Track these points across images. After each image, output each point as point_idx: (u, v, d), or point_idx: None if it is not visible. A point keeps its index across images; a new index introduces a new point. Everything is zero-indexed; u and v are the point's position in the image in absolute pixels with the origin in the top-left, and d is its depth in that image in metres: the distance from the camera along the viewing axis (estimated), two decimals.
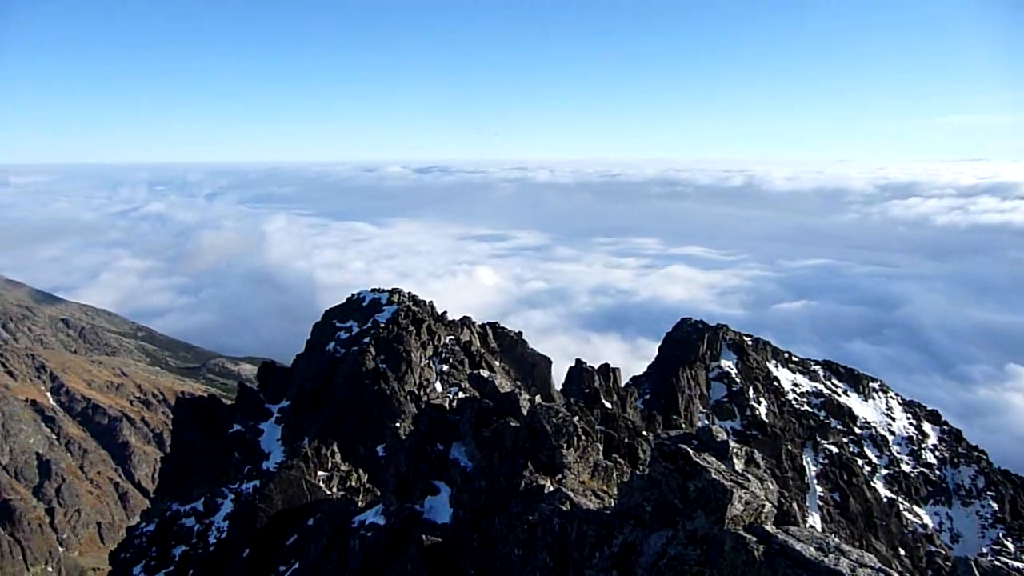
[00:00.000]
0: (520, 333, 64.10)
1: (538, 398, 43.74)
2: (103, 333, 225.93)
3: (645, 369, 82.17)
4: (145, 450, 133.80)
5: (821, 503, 62.94)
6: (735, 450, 13.21)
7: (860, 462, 70.21)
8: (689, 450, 11.81)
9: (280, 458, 50.36)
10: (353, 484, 42.56)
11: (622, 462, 22.83)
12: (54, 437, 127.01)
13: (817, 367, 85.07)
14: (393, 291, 63.44)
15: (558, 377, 62.31)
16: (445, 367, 55.28)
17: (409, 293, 64.38)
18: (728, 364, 76.43)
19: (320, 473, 42.26)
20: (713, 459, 11.98)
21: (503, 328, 64.74)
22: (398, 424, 48.41)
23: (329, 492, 40.64)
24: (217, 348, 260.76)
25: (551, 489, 18.20)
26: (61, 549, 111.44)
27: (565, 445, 19.87)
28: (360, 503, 36.09)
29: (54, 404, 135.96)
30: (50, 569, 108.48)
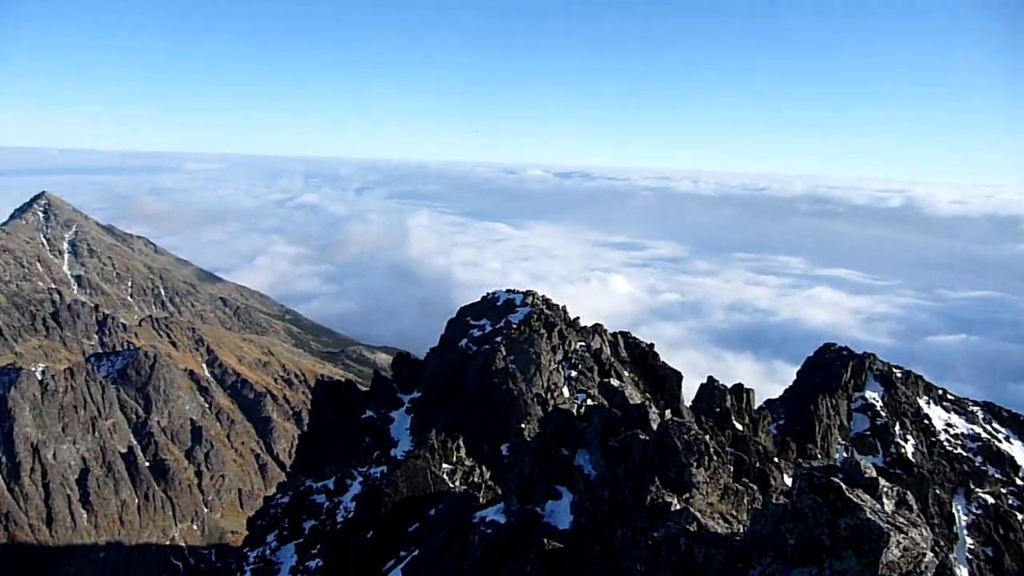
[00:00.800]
0: (652, 345, 62.84)
1: (667, 413, 42.70)
2: (255, 313, 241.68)
3: (781, 393, 78.53)
4: (285, 426, 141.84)
5: (971, 556, 57.74)
6: (885, 489, 12.19)
7: (1020, 516, 63.93)
8: (842, 485, 10.98)
9: (408, 447, 51.83)
10: (475, 480, 43.08)
11: (753, 487, 21.80)
12: (206, 406, 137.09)
13: (976, 408, 78.13)
14: (527, 293, 63.86)
15: (687, 393, 60.61)
16: (574, 373, 55.03)
17: (543, 296, 64.61)
18: (873, 396, 71.66)
19: (445, 466, 43.07)
20: (868, 497, 11.08)
21: (634, 338, 63.68)
22: (523, 425, 48.57)
23: (452, 485, 41.33)
24: (356, 335, 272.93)
25: (678, 507, 17.58)
26: (206, 510, 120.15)
27: (695, 464, 19.14)
28: (481, 499, 36.47)
29: (209, 375, 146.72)
30: (195, 527, 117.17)
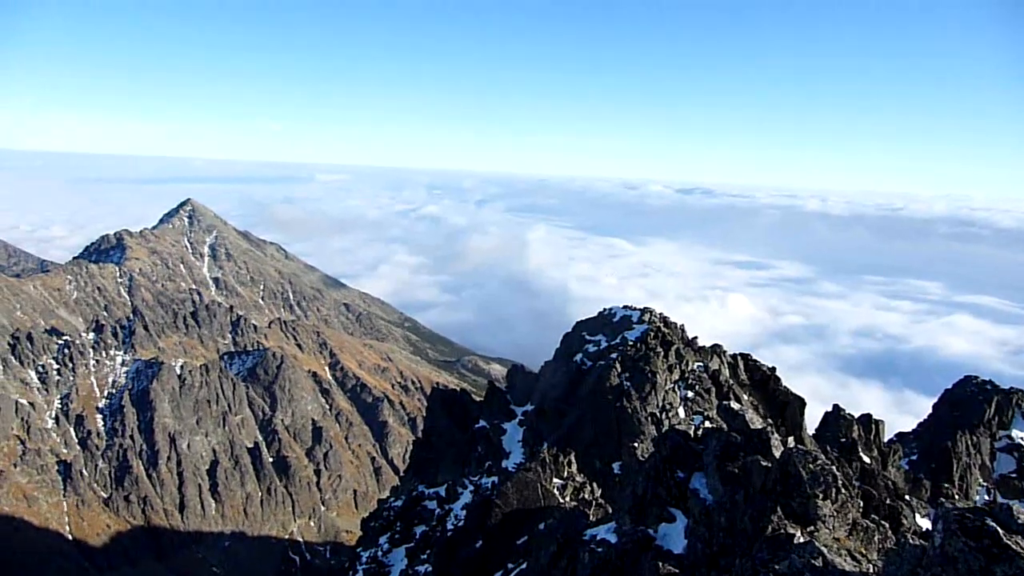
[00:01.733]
0: (774, 368, 60.31)
1: (790, 440, 40.85)
2: (376, 320, 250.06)
3: (914, 426, 73.55)
4: (400, 431, 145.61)
5: None
6: None
7: None
8: (999, 530, 10.03)
9: (519, 459, 51.92)
10: (586, 496, 42.62)
11: (884, 525, 20.40)
12: (327, 407, 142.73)
13: None
14: (645, 310, 62.78)
15: (809, 421, 57.77)
16: (690, 393, 53.57)
17: (660, 314, 63.34)
18: (1021, 435, 65.92)
19: (556, 480, 42.85)
20: None
21: (755, 361, 61.32)
22: (636, 444, 47.69)
23: (562, 500, 41.05)
24: (472, 345, 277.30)
25: (802, 540, 16.67)
26: (323, 508, 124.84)
27: (821, 495, 18.12)
28: (592, 516, 35.98)
29: (330, 378, 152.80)
30: (312, 524, 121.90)
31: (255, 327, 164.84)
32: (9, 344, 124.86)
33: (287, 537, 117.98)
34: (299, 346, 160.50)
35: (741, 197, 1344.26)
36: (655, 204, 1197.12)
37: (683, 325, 62.59)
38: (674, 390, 53.33)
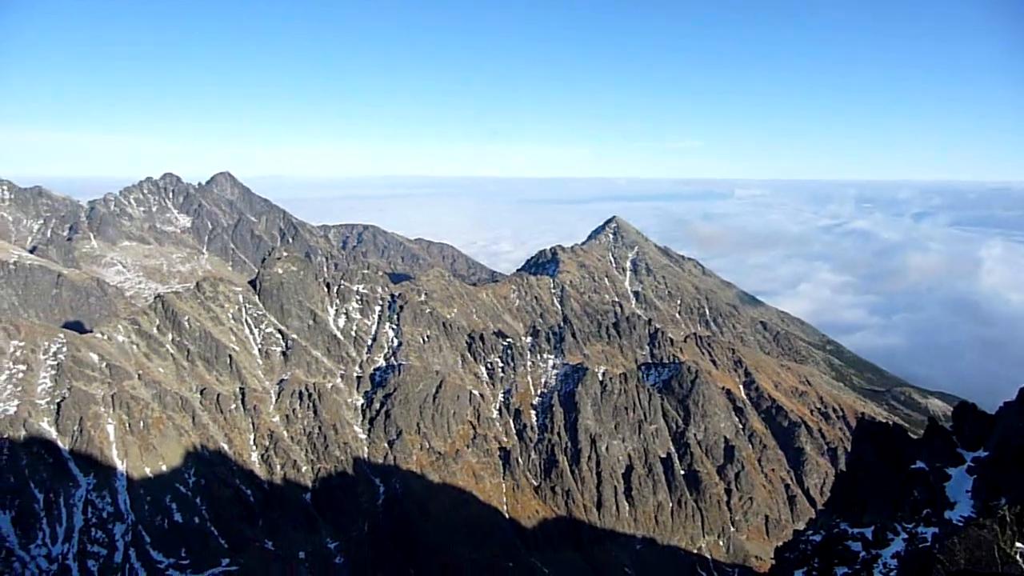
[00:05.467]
0: None
1: None
2: (794, 340, 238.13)
3: None
4: (818, 461, 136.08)
5: None
6: None
7: None
8: None
9: (967, 512, 44.18)
10: None
11: None
12: (740, 427, 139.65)
13: None
14: None
15: None
16: None
17: None
18: None
19: (1018, 545, 35.42)
20: None
21: None
22: None
23: None
24: (903, 375, 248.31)
25: None
26: (732, 528, 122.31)
27: None
28: None
29: (744, 397, 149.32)
30: (721, 543, 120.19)
31: (671, 340, 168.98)
32: (467, 342, 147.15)
33: (695, 552, 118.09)
34: (713, 362, 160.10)
35: None
36: None
37: None
38: None
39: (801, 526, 66.62)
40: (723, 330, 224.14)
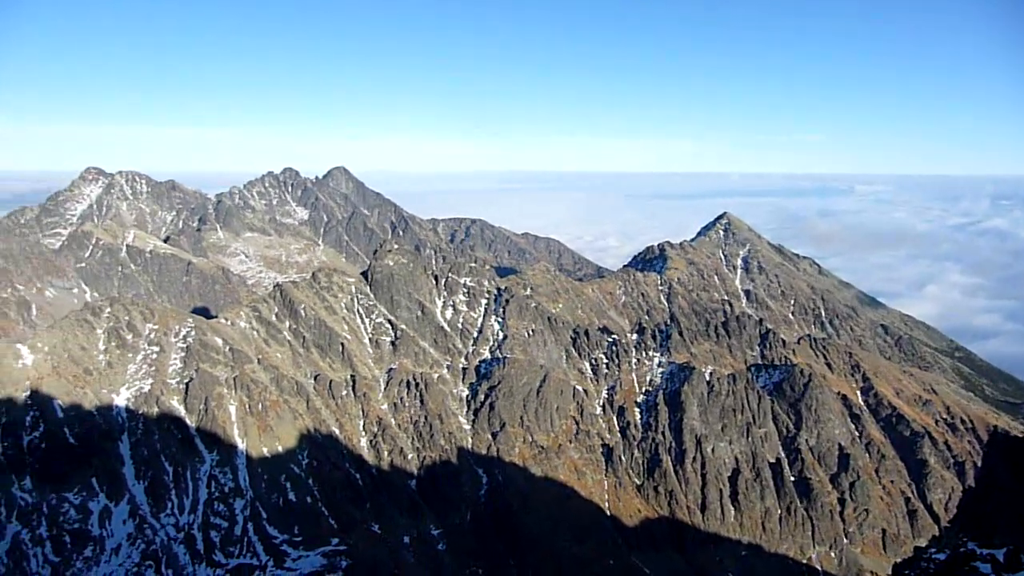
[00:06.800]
0: None
1: None
2: (918, 346, 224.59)
3: None
4: (943, 475, 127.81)
5: None
6: None
7: None
8: None
9: None
10: None
11: None
12: (856, 434, 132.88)
13: None
14: None
15: None
16: None
17: None
18: None
19: None
20: None
21: None
22: None
23: None
24: None
25: None
26: (845, 540, 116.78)
27: None
28: None
29: (862, 404, 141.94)
30: (832, 554, 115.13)
31: (783, 342, 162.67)
32: (571, 337, 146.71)
33: (804, 562, 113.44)
34: (828, 366, 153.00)
35: None
36: None
37: None
38: None
39: (923, 543, 62.71)
40: (840, 333, 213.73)
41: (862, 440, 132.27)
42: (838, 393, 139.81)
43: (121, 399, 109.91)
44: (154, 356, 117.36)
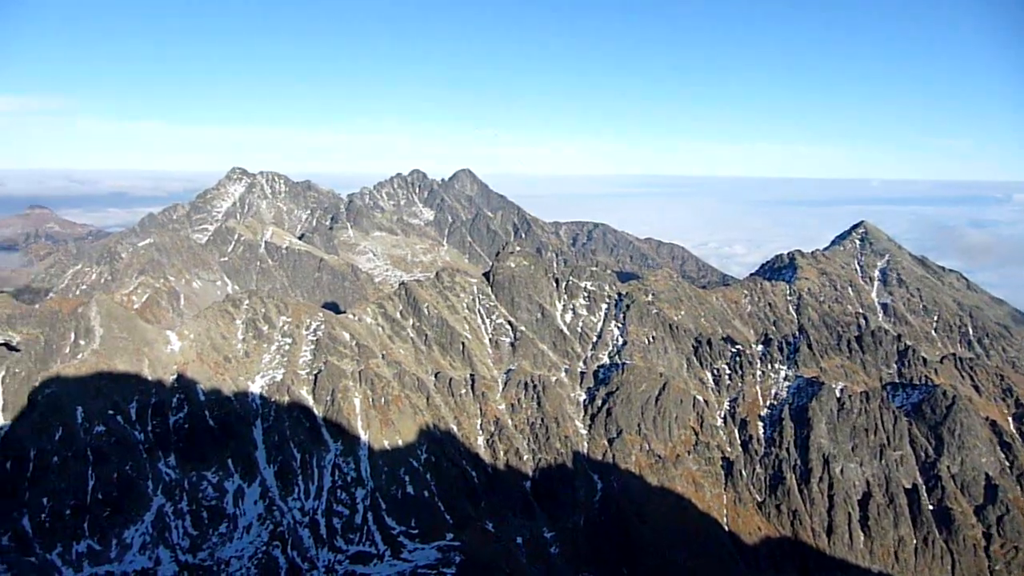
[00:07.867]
0: None
1: None
2: None
3: None
4: None
5: None
6: None
7: None
8: None
9: None
10: None
11: None
12: (1007, 464, 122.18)
13: None
14: None
15: None
16: None
17: None
18: None
19: None
20: None
21: None
22: None
23: None
24: None
25: None
26: None
27: None
28: None
29: (1014, 431, 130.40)
30: None
31: (924, 360, 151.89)
32: (693, 346, 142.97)
33: None
34: (976, 388, 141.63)
35: None
36: None
37: None
38: None
39: None
40: (990, 353, 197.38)
41: (1013, 471, 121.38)
42: (986, 418, 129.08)
43: (256, 387, 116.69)
44: (287, 347, 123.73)
